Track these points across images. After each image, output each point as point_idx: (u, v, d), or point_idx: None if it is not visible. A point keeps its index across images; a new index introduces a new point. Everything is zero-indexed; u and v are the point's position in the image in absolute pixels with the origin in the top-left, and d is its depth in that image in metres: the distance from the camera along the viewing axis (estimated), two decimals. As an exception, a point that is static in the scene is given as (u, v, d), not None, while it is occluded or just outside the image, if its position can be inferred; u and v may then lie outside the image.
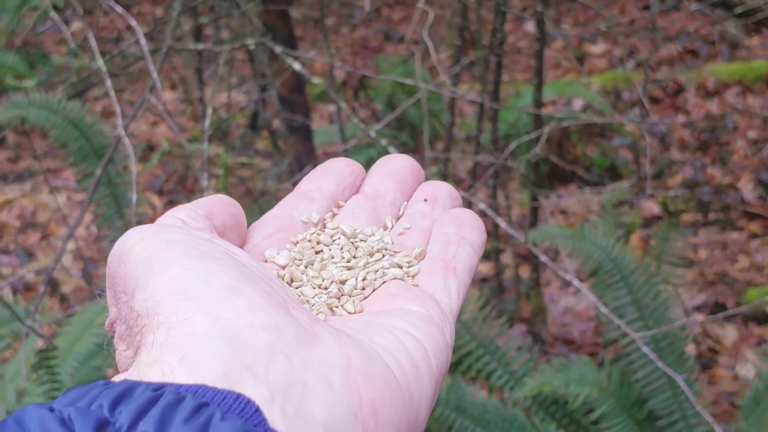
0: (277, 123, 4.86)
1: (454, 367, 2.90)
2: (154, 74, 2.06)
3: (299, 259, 0.69)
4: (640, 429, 2.81)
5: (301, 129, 4.01)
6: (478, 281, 4.28)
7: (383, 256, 0.71)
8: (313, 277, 0.68)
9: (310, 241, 0.71)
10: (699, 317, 3.86)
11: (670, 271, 3.37)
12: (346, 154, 3.81)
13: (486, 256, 4.38)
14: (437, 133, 5.22)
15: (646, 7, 6.52)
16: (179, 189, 5.37)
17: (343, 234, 0.72)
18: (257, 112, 5.55)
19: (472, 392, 2.81)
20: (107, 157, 2.42)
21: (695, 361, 3.06)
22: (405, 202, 0.77)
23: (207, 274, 0.55)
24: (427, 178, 0.79)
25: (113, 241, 2.65)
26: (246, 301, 0.54)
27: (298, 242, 0.71)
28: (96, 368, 2.91)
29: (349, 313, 0.65)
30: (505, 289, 3.97)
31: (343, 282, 0.68)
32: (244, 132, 5.80)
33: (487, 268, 4.33)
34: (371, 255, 0.71)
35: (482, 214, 4.68)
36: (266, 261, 0.69)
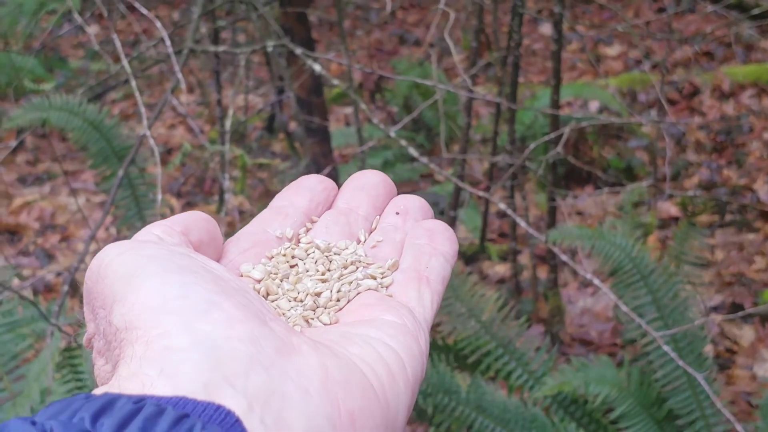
0: (293, 125, 4.88)
1: (474, 366, 2.91)
2: (179, 74, 2.08)
3: (274, 273, 0.70)
4: (660, 428, 2.81)
5: (319, 131, 4.03)
6: (496, 282, 4.29)
7: (357, 268, 0.72)
8: (288, 290, 0.68)
9: (284, 255, 0.72)
10: (716, 317, 3.86)
11: (688, 271, 3.38)
12: (363, 155, 3.82)
13: (503, 257, 4.39)
14: (453, 134, 5.23)
15: (662, 9, 6.52)
16: (197, 191, 5.39)
17: (317, 248, 0.73)
18: (274, 115, 5.57)
19: (491, 391, 2.82)
20: (130, 157, 2.44)
21: (713, 361, 3.06)
22: (377, 216, 0.78)
23: (185, 288, 0.56)
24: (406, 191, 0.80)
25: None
26: (224, 313, 0.54)
27: (273, 257, 0.72)
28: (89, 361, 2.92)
29: (325, 324, 0.65)
30: (523, 290, 3.98)
31: (318, 294, 0.68)
32: (260, 134, 5.82)
33: (504, 269, 4.34)
34: (345, 267, 0.71)
35: (500, 214, 4.70)
36: (242, 275, 0.69)
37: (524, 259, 4.17)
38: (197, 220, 0.68)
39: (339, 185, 0.80)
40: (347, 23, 7.32)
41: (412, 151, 2.55)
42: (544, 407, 2.88)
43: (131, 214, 3.34)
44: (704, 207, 4.61)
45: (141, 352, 0.52)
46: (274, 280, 0.69)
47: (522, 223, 2.48)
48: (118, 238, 4.43)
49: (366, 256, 0.73)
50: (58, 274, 4.34)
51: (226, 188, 2.49)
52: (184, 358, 0.51)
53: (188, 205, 5.24)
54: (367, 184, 0.80)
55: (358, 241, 0.76)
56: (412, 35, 7.30)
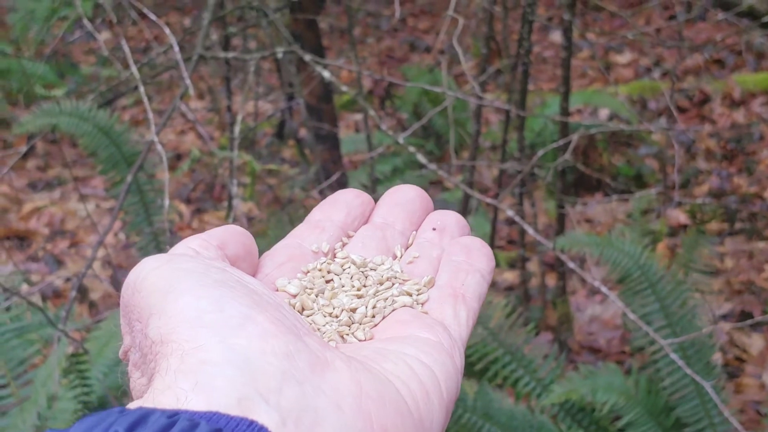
0: (303, 132, 4.88)
1: (481, 373, 2.91)
2: (187, 80, 2.08)
3: (310, 288, 0.70)
4: (668, 437, 2.81)
5: (329, 137, 4.03)
6: (504, 289, 4.29)
7: (393, 284, 0.71)
8: (323, 305, 0.68)
9: (320, 270, 0.72)
10: (725, 326, 3.84)
11: (697, 279, 3.37)
12: (372, 162, 3.82)
13: (512, 265, 4.38)
14: (463, 141, 5.23)
15: (672, 17, 6.51)
16: (207, 197, 5.40)
17: (353, 263, 0.73)
18: (284, 121, 5.58)
19: (499, 399, 2.82)
20: (139, 162, 2.45)
21: (722, 369, 3.05)
22: (414, 232, 0.78)
23: (220, 302, 0.56)
24: (437, 207, 0.81)
25: (141, 248, 2.67)
26: (258, 328, 0.55)
27: (308, 271, 0.72)
28: (125, 373, 2.92)
29: (360, 340, 0.65)
30: (531, 298, 3.97)
31: (353, 310, 0.68)
32: (270, 141, 5.82)
33: (513, 277, 4.33)
34: (381, 283, 0.71)
35: (509, 221, 4.69)
36: (277, 290, 0.69)
37: (533, 266, 4.17)
38: (234, 234, 0.69)
39: (373, 198, 0.80)
40: (358, 30, 7.33)
41: (421, 158, 2.55)
42: (552, 415, 2.87)
43: (140, 220, 3.35)
44: (713, 215, 4.60)
45: (176, 366, 0.52)
46: (309, 295, 0.69)
47: (530, 230, 2.48)
48: (127, 244, 4.45)
49: (402, 272, 0.73)
50: (67, 280, 4.35)
51: (234, 194, 2.49)
52: (218, 372, 0.51)
53: (197, 211, 5.24)
54: (404, 199, 0.80)
55: (394, 257, 0.76)
56: (423, 42, 7.30)
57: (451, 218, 0.78)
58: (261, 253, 0.72)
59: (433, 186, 5.31)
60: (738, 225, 4.71)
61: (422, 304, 0.70)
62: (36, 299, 3.30)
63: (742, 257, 4.49)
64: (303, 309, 0.68)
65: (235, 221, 3.16)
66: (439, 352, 0.62)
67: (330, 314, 0.68)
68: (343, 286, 0.71)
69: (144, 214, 3.35)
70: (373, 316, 0.68)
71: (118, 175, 3.33)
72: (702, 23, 6.66)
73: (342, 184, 3.87)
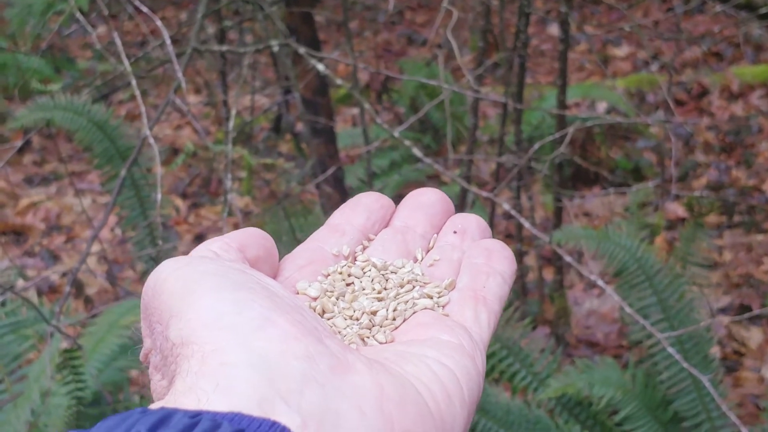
0: (300, 126, 4.87)
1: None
2: (180, 74, 2.07)
3: (331, 291, 0.70)
4: (665, 431, 2.80)
5: (325, 132, 4.01)
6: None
7: (413, 287, 0.71)
8: (344, 308, 0.68)
9: (341, 273, 0.72)
10: (724, 319, 3.84)
11: (695, 272, 3.36)
12: (369, 156, 3.81)
13: (509, 259, 4.37)
14: (460, 135, 5.21)
15: (670, 10, 6.50)
16: (203, 192, 5.39)
17: (374, 266, 0.73)
18: (280, 115, 5.56)
19: (495, 393, 2.81)
20: (132, 158, 2.44)
21: (720, 363, 3.04)
22: (435, 235, 0.78)
23: (240, 304, 0.56)
24: (458, 210, 0.80)
25: (137, 243, 2.65)
26: (279, 330, 0.54)
27: (329, 274, 0.72)
28: (120, 369, 2.92)
29: (381, 343, 0.65)
30: (528, 291, 3.96)
31: (374, 313, 0.68)
32: (267, 135, 5.81)
33: (510, 271, 4.32)
34: (402, 286, 0.71)
35: (507, 215, 4.68)
36: (298, 293, 0.69)
37: (530, 260, 4.16)
38: (254, 237, 0.69)
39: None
40: (355, 24, 7.32)
41: (417, 152, 2.54)
42: (549, 409, 2.87)
43: (135, 215, 3.34)
44: (712, 207, 4.59)
45: (197, 368, 0.52)
46: (330, 297, 0.69)
47: (526, 224, 2.47)
48: (122, 239, 4.43)
49: (423, 275, 0.73)
50: (63, 275, 4.35)
51: (228, 189, 2.48)
52: (239, 374, 0.51)
53: (194, 206, 5.23)
54: (424, 202, 0.79)
55: (415, 260, 0.76)
56: (420, 36, 7.29)
57: (472, 221, 0.78)
58: (281, 256, 0.73)
59: (431, 180, 5.30)
60: (736, 218, 4.71)
61: (443, 306, 0.69)
62: (32, 294, 3.29)
63: (740, 250, 4.48)
64: (324, 312, 0.68)
65: (231, 215, 3.15)
66: (460, 355, 0.62)
67: (351, 317, 0.68)
68: (363, 289, 0.71)
69: (140, 208, 3.34)
70: (394, 319, 0.68)
71: (114, 169, 3.33)
72: (700, 15, 6.65)
73: (338, 178, 3.86)
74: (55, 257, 4.80)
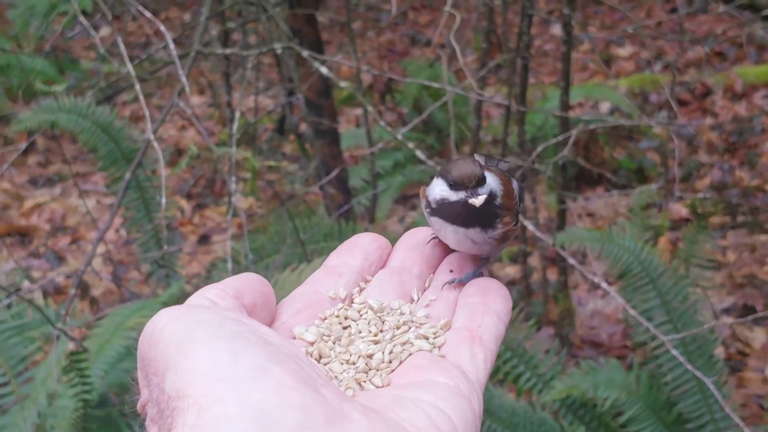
0: (304, 127, 4.87)
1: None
2: (183, 78, 2.07)
3: (327, 335, 0.70)
4: (669, 432, 2.80)
5: (328, 133, 4.02)
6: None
7: (409, 328, 0.72)
8: (341, 352, 0.69)
9: (338, 316, 0.73)
10: (728, 320, 3.84)
11: (698, 273, 3.36)
12: (372, 157, 3.82)
13: (513, 259, 4.37)
14: (464, 136, 5.21)
15: (674, 10, 6.49)
16: (207, 193, 5.40)
17: (371, 308, 0.73)
18: (284, 117, 5.57)
19: (500, 395, 2.81)
20: (137, 160, 2.44)
21: (724, 363, 3.04)
22: (431, 275, 0.78)
23: (236, 354, 0.56)
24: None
25: (142, 245, 2.65)
26: (274, 380, 0.55)
27: (326, 318, 0.73)
28: (125, 371, 2.93)
29: (377, 387, 0.66)
30: (532, 292, 3.96)
31: (370, 356, 0.68)
32: (271, 136, 5.82)
33: (514, 271, 4.32)
34: (398, 328, 0.72)
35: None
36: (295, 338, 0.70)
37: (534, 261, 4.16)
38: (250, 283, 0.69)
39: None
40: (358, 24, 7.32)
41: (419, 154, 2.54)
42: (553, 411, 2.87)
43: (140, 216, 3.35)
44: (715, 208, 4.59)
45: (193, 421, 0.53)
46: (326, 342, 0.69)
47: (530, 226, 2.47)
48: (127, 241, 4.44)
49: (419, 315, 0.73)
50: (68, 277, 4.35)
51: (232, 190, 2.48)
52: (234, 427, 0.51)
53: (198, 207, 5.24)
54: (420, 241, 0.79)
55: (412, 300, 0.76)
56: (424, 36, 7.29)
57: (467, 260, 0.78)
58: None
59: (434, 181, 5.30)
60: (740, 218, 4.71)
61: (439, 347, 0.70)
62: (37, 296, 3.30)
63: (744, 251, 4.48)
64: (320, 357, 0.68)
65: (235, 216, 3.15)
66: (456, 397, 0.62)
67: (347, 361, 0.68)
68: (360, 332, 0.71)
69: (144, 210, 3.35)
70: (390, 362, 0.68)
71: (118, 171, 3.33)
72: (703, 16, 6.64)
73: (342, 179, 3.86)
74: (60, 258, 4.81)
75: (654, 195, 4.42)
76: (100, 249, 4.45)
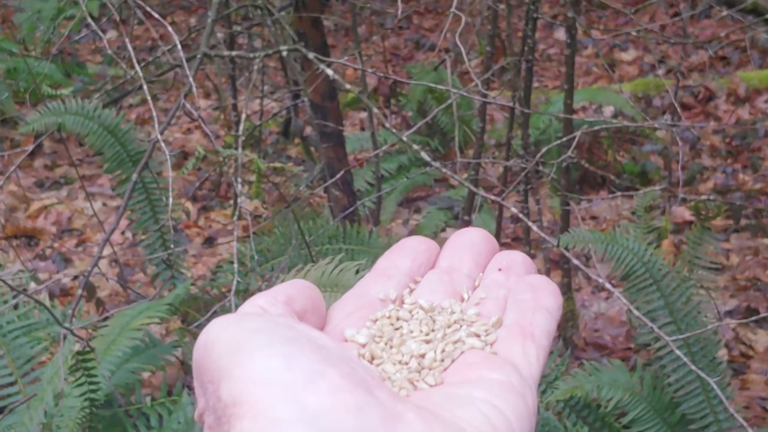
0: (309, 130, 4.89)
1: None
2: (190, 78, 2.09)
3: (379, 336, 0.70)
4: (672, 433, 2.81)
5: (334, 136, 4.03)
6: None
7: (460, 326, 0.71)
8: (393, 353, 0.68)
9: (389, 317, 0.72)
10: (731, 322, 3.85)
11: (702, 275, 3.37)
12: (377, 160, 3.83)
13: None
14: (468, 139, 5.23)
15: (677, 14, 6.51)
16: (213, 195, 5.41)
17: (421, 308, 0.73)
18: (289, 119, 5.59)
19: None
20: (143, 162, 2.46)
21: (727, 365, 3.05)
22: (480, 274, 0.79)
23: (289, 360, 0.56)
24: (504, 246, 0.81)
25: (148, 246, 2.68)
26: (328, 383, 0.55)
27: (377, 320, 0.72)
28: (131, 371, 2.94)
29: (430, 385, 0.65)
30: (536, 295, 3.96)
31: (422, 356, 0.68)
32: (276, 139, 5.83)
33: (518, 274, 4.33)
34: (449, 326, 0.71)
35: (515, 219, 4.70)
36: (346, 340, 0.69)
37: (538, 263, 4.17)
38: (300, 289, 0.69)
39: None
40: (363, 28, 7.33)
41: (425, 156, 2.56)
42: (557, 412, 2.87)
43: (146, 218, 3.36)
44: (718, 211, 4.60)
45: (248, 427, 0.53)
46: (378, 343, 0.69)
47: (534, 228, 2.49)
48: (133, 243, 4.45)
49: (469, 314, 0.73)
50: (74, 278, 4.37)
51: (239, 193, 2.50)
52: (289, 430, 0.52)
53: (204, 209, 5.26)
54: (468, 242, 0.80)
55: (462, 300, 0.76)
56: (428, 40, 7.31)
57: (516, 258, 0.79)
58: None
59: (438, 183, 5.32)
60: (743, 221, 4.72)
61: (491, 344, 0.69)
62: (44, 297, 3.31)
63: (747, 254, 4.49)
64: (373, 358, 0.68)
65: (241, 218, 3.17)
66: (509, 393, 0.62)
67: (399, 362, 0.68)
68: (411, 332, 0.71)
69: (150, 212, 3.37)
70: (443, 360, 0.68)
71: (124, 173, 3.35)
72: (706, 20, 6.66)
73: (347, 182, 3.87)
74: (66, 260, 4.83)
75: (657, 198, 4.43)
76: (106, 251, 4.47)
